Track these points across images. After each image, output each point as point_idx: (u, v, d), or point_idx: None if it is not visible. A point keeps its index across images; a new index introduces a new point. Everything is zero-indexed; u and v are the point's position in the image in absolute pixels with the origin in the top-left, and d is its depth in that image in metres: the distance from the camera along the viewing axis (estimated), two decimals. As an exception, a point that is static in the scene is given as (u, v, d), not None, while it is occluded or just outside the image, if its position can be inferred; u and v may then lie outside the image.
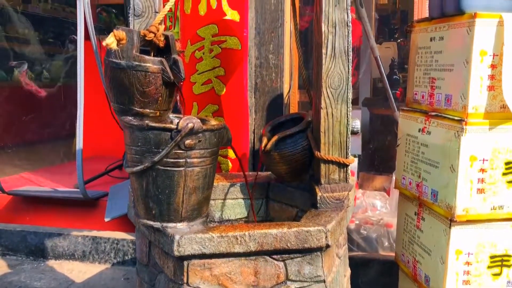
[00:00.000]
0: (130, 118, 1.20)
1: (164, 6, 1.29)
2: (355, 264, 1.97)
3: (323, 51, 1.35)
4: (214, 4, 1.86)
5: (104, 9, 5.51)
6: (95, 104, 3.12)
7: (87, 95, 2.50)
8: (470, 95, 1.24)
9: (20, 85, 6.02)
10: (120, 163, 3.05)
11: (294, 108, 2.12)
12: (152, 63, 1.17)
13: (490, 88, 1.24)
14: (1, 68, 5.67)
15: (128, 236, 2.27)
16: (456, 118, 1.27)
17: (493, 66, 1.23)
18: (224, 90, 1.92)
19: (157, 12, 1.30)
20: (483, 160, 1.26)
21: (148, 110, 1.20)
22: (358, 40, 3.26)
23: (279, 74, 2.02)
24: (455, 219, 1.27)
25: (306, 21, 2.82)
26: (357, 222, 2.31)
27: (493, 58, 1.23)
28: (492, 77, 1.23)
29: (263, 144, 1.54)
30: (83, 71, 2.44)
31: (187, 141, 1.15)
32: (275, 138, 1.51)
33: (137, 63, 1.15)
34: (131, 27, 1.30)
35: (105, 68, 1.20)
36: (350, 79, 1.38)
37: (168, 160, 1.15)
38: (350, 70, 1.38)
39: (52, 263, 2.32)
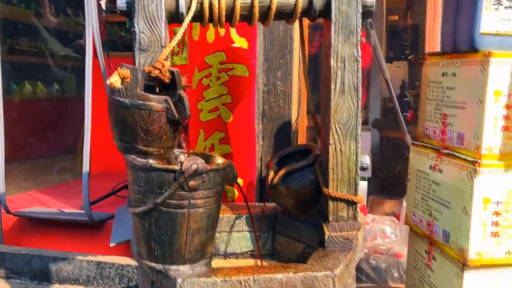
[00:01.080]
0: (134, 156, 1.17)
1: (170, 41, 1.27)
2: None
3: (332, 86, 1.32)
4: (222, 32, 1.84)
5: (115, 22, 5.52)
6: (102, 119, 3.10)
7: (93, 110, 2.49)
8: (484, 136, 1.20)
9: (31, 98, 6.07)
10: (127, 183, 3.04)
11: (302, 135, 2.09)
12: (156, 101, 1.14)
13: (505, 128, 1.20)
14: (12, 81, 5.73)
15: (133, 262, 2.24)
16: (469, 158, 1.23)
17: (508, 107, 1.19)
18: (231, 117, 1.89)
19: (163, 47, 1.28)
20: (497, 202, 1.21)
21: (151, 148, 1.18)
22: (368, 61, 3.23)
23: (287, 101, 1.99)
24: (468, 263, 1.22)
25: (315, 47, 2.79)
26: (366, 251, 2.26)
27: (508, 98, 1.19)
28: (507, 117, 1.19)
29: (270, 178, 1.51)
30: (90, 90, 2.42)
31: (191, 182, 1.12)
32: (282, 171, 1.48)
33: (141, 101, 1.13)
34: (137, 61, 1.28)
35: (108, 105, 1.18)
36: (359, 114, 1.34)
37: (171, 201, 1.12)
38: (359, 106, 1.34)
39: (56, 287, 2.29)
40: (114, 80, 1.12)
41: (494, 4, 1.19)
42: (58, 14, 6.48)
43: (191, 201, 1.14)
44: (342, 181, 1.36)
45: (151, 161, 1.17)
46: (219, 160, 1.30)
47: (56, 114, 6.05)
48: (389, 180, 3.06)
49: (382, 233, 2.57)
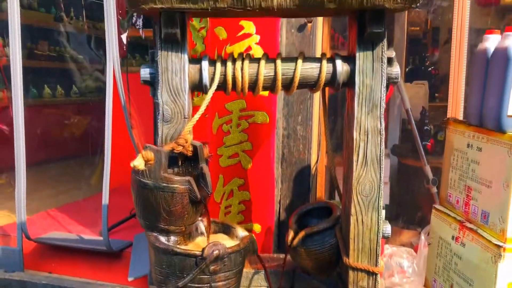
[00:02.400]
0: (156, 235, 1.18)
1: (193, 114, 1.27)
2: None
3: (354, 157, 1.31)
4: (243, 80, 1.83)
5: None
6: (117, 132, 3.09)
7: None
8: (510, 220, 1.17)
9: (52, 104, 6.13)
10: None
11: (321, 179, 2.08)
12: (179, 183, 1.14)
13: (532, 212, 1.18)
14: (32, 85, 5.80)
15: (151, 297, 2.26)
16: (494, 240, 1.21)
17: (535, 191, 1.17)
18: (251, 164, 1.89)
19: (186, 118, 1.28)
20: (522, 286, 1.19)
21: (173, 227, 1.18)
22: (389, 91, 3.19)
23: (307, 146, 1.98)
24: None
25: None
26: (383, 291, 2.25)
27: (536, 183, 1.16)
28: (533, 202, 1.17)
29: (289, 238, 1.51)
30: (111, 118, 2.43)
31: (212, 267, 1.12)
32: (302, 234, 1.48)
33: (164, 184, 1.13)
34: (160, 132, 1.29)
35: (132, 183, 1.19)
36: (382, 186, 1.33)
37: (192, 285, 1.13)
38: (382, 177, 1.33)
39: (75, 317, 2.33)
40: (138, 163, 1.13)
41: (523, 87, 1.17)
42: (77, 18, 6.53)
43: (212, 284, 1.14)
44: (363, 252, 1.35)
45: (173, 239, 1.18)
46: (240, 232, 1.31)
47: (76, 118, 6.13)
48: (407, 209, 3.03)
49: (400, 267, 2.55)
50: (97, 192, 4.01)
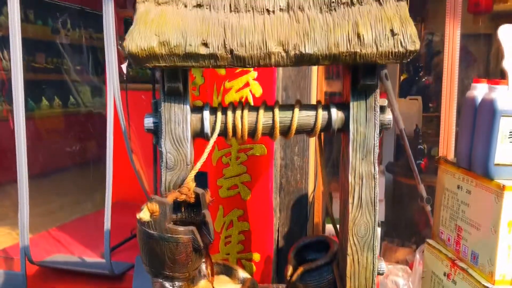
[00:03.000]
0: (161, 281, 1.24)
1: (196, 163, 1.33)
2: None
3: (350, 200, 1.37)
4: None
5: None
6: (116, 148, 3.13)
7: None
8: (498, 263, 1.24)
9: (49, 115, 6.17)
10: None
11: (318, 206, 2.14)
12: (183, 234, 1.20)
13: (518, 256, 1.24)
14: (30, 97, 5.85)
15: (153, 321, 2.31)
16: (483, 281, 1.27)
17: (521, 236, 1.23)
18: (250, 195, 1.95)
19: (188, 165, 1.34)
20: (510, 326, 1.25)
21: (178, 274, 1.24)
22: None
23: (304, 176, 2.05)
24: None
25: None
26: (380, 313, 2.31)
27: (522, 228, 1.23)
28: (520, 246, 1.23)
29: (288, 274, 1.56)
30: (112, 142, 2.47)
31: (216, 314, 1.18)
32: (300, 270, 1.54)
33: (169, 235, 1.19)
34: (163, 178, 1.34)
35: (138, 232, 1.25)
36: (377, 227, 1.39)
37: (198, 330, 1.19)
38: (377, 219, 1.39)
39: None
40: (144, 215, 1.19)
41: (509, 137, 1.23)
42: (74, 29, 6.58)
43: (216, 329, 1.20)
44: (359, 289, 1.41)
45: (177, 284, 1.24)
46: (241, 274, 1.37)
47: (74, 128, 6.18)
48: (402, 226, 3.10)
49: (395, 286, 2.62)
50: (96, 209, 4.08)
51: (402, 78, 6.94)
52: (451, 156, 1.55)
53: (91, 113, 6.36)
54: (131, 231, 3.08)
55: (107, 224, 2.45)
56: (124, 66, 2.37)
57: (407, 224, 3.08)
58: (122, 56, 2.55)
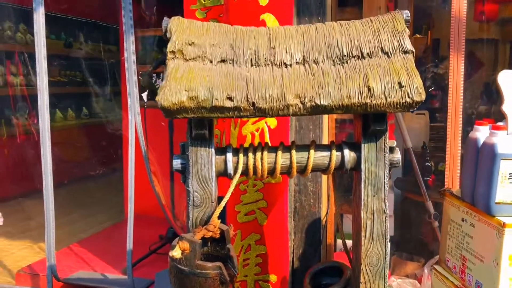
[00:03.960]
0: (192, 312, 1.36)
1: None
2: None
3: (362, 233, 1.49)
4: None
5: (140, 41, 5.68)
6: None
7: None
8: (500, 294, 1.35)
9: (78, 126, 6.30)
10: (163, 242, 3.25)
11: (331, 228, 2.25)
12: (212, 269, 1.32)
13: (518, 287, 1.35)
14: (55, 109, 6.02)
15: (174, 337, 2.44)
16: (486, 311, 1.38)
17: (521, 268, 1.34)
18: (266, 220, 2.07)
19: (213, 202, 1.46)
20: None
21: (207, 305, 1.36)
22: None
23: (317, 200, 2.16)
24: None
25: (341, 138, 2.94)
26: (390, 328, 2.42)
27: (521, 262, 1.34)
28: (520, 277, 1.34)
29: (305, 299, 1.68)
30: (133, 163, 2.60)
31: None
32: (316, 295, 1.66)
33: (199, 270, 1.31)
34: (190, 215, 1.47)
35: (170, 267, 1.37)
36: (387, 258, 1.51)
37: None
38: (388, 251, 1.50)
39: None
40: (176, 253, 1.31)
41: (508, 179, 1.34)
42: (87, 42, 6.75)
43: None
44: (371, 315, 1.53)
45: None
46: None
47: (86, 140, 6.33)
48: (411, 241, 3.20)
49: (405, 300, 2.73)
50: (112, 221, 4.21)
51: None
52: (456, 187, 1.65)
53: (103, 125, 6.52)
54: (149, 247, 3.21)
55: (129, 244, 2.57)
56: (144, 95, 2.50)
57: (415, 239, 3.18)
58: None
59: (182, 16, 2.08)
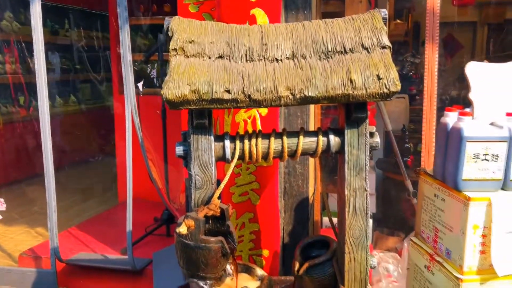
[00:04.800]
0: (196, 281, 1.53)
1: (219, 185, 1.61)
2: None
3: (346, 209, 1.67)
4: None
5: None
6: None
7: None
8: (466, 258, 1.55)
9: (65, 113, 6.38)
10: (159, 224, 3.41)
11: (317, 206, 2.44)
12: (214, 243, 1.49)
13: (482, 252, 1.55)
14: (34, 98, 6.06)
15: (174, 310, 2.63)
16: (454, 273, 1.59)
17: (483, 236, 1.54)
18: (259, 200, 2.25)
19: (213, 184, 1.62)
20: (476, 308, 1.57)
21: (209, 274, 1.54)
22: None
23: (305, 181, 2.34)
24: None
25: (326, 123, 3.12)
26: (372, 296, 2.64)
27: (484, 230, 1.54)
28: (483, 244, 1.55)
29: (295, 269, 1.86)
30: (131, 149, 2.73)
31: (243, 306, 1.48)
32: (306, 265, 1.84)
33: (203, 244, 1.48)
34: (193, 196, 1.63)
35: (176, 242, 1.54)
36: (369, 231, 1.69)
37: (228, 319, 1.49)
38: (369, 223, 1.69)
39: (108, 330, 2.69)
40: (183, 229, 1.48)
41: (472, 158, 1.53)
42: (73, 29, 6.79)
43: (242, 317, 1.50)
44: (355, 281, 1.72)
45: (208, 283, 1.53)
46: (258, 272, 1.67)
47: (79, 126, 6.42)
48: (392, 217, 3.41)
49: (387, 272, 2.95)
50: (110, 206, 4.36)
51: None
52: (431, 167, 1.84)
53: (96, 110, 6.62)
54: (145, 229, 3.37)
55: (129, 226, 2.73)
56: (140, 84, 2.63)
57: (396, 215, 3.40)
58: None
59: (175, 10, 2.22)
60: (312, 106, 2.34)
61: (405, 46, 5.65)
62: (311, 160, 2.36)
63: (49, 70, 6.50)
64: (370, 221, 3.48)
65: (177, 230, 1.48)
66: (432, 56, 2.14)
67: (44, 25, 6.24)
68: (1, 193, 3.04)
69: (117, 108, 4.19)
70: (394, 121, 3.89)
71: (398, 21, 5.18)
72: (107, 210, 4.20)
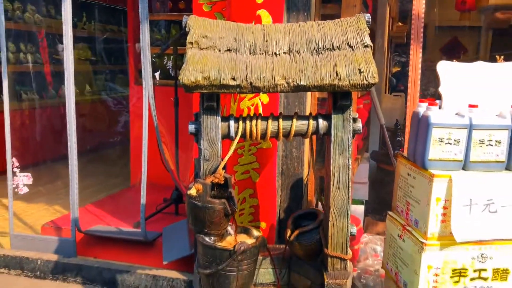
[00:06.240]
0: (202, 236, 1.84)
1: (224, 156, 1.92)
2: (355, 308, 2.61)
3: (331, 183, 1.96)
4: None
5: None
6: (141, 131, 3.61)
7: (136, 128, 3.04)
8: (429, 226, 1.84)
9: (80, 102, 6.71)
10: (169, 203, 3.72)
11: (311, 186, 2.74)
12: (219, 204, 1.80)
13: (443, 221, 1.84)
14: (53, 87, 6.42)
15: (181, 276, 2.93)
16: (420, 239, 1.88)
17: (444, 208, 1.83)
18: (259, 178, 2.55)
19: (219, 157, 1.93)
20: (437, 268, 1.86)
21: (213, 231, 1.84)
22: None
23: (300, 163, 2.64)
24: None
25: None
26: (359, 271, 2.93)
27: (445, 203, 1.83)
28: (444, 214, 1.84)
29: (287, 235, 2.17)
30: (147, 131, 3.03)
31: (239, 257, 1.79)
32: (296, 232, 2.14)
33: (209, 205, 1.79)
34: (201, 167, 1.94)
35: (187, 203, 1.84)
36: (350, 201, 1.99)
37: (226, 268, 1.79)
38: (350, 195, 1.98)
39: (121, 293, 3.01)
40: (193, 192, 1.78)
41: (437, 142, 1.82)
42: (90, 22, 7.13)
43: (239, 267, 1.81)
44: (337, 245, 2.01)
45: (212, 238, 1.84)
46: (255, 232, 1.97)
47: (91, 114, 6.73)
48: (383, 204, 3.70)
49: (374, 252, 3.23)
50: (122, 188, 4.68)
51: (394, 70, 7.50)
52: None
53: (110, 100, 6.94)
54: (156, 207, 3.68)
55: (143, 199, 3.04)
56: (157, 74, 2.93)
57: (386, 203, 3.67)
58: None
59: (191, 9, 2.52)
60: (308, 97, 2.64)
61: (405, 48, 5.92)
62: (307, 144, 2.66)
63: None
64: (362, 207, 3.78)
65: (188, 192, 1.79)
66: (416, 56, 2.42)
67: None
68: (29, 169, 3.35)
69: (133, 98, 4.50)
70: (390, 117, 4.18)
71: (400, 24, 5.46)
72: (120, 191, 4.52)
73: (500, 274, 1.87)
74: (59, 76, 6.65)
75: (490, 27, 7.03)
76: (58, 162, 4.89)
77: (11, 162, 3.19)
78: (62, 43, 7.06)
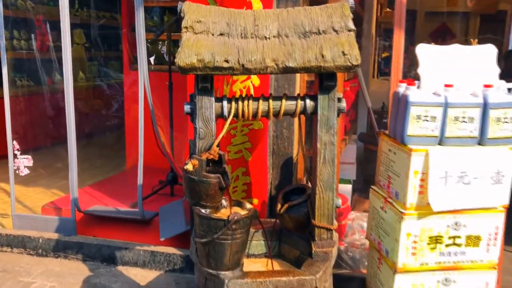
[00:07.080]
0: (199, 208, 1.98)
1: (217, 135, 2.05)
2: (342, 279, 2.78)
3: (318, 159, 2.11)
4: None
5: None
6: (135, 117, 3.65)
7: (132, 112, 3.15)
8: (408, 197, 2.00)
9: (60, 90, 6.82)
10: (164, 184, 3.86)
11: (300, 165, 2.89)
12: (214, 178, 1.94)
13: (420, 192, 2.00)
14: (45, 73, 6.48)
15: (178, 251, 3.09)
16: (399, 209, 2.04)
17: (422, 180, 1.99)
18: (251, 157, 2.69)
19: (213, 136, 2.06)
20: (415, 235, 2.03)
21: (209, 204, 1.98)
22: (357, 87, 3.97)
23: (290, 143, 2.78)
24: (397, 270, 2.05)
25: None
26: (346, 245, 3.10)
27: (422, 175, 1.98)
28: (421, 186, 1.99)
29: (278, 209, 2.31)
30: (143, 115, 3.16)
31: (233, 226, 1.93)
32: (286, 206, 2.28)
33: (205, 179, 1.93)
34: (197, 145, 2.07)
35: (183, 177, 1.98)
36: (335, 176, 2.13)
37: (221, 236, 1.94)
38: (335, 170, 2.13)
39: (120, 268, 3.15)
40: (189, 166, 1.92)
41: (415, 119, 1.97)
42: (82, 9, 7.17)
43: (233, 236, 1.95)
44: (324, 216, 2.16)
45: (208, 210, 1.98)
46: (248, 205, 2.11)
47: (88, 99, 6.80)
48: (370, 184, 3.85)
49: (361, 228, 3.40)
50: (116, 172, 4.80)
51: (383, 55, 7.63)
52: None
53: (104, 86, 7.02)
54: (152, 188, 3.82)
55: (140, 180, 3.18)
56: (152, 59, 3.05)
57: (373, 182, 3.83)
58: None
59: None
60: (298, 80, 2.77)
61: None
62: (296, 125, 2.80)
63: (59, 47, 6.89)
64: (350, 186, 3.93)
65: (185, 167, 1.93)
66: (399, 40, 2.56)
67: (55, 4, 6.62)
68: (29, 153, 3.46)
69: (127, 83, 4.61)
70: (378, 100, 4.33)
71: (388, 9, 5.57)
72: (116, 174, 4.65)
73: (473, 240, 2.03)
74: (52, 63, 6.73)
75: (478, 13, 7.18)
76: (56, 147, 5.00)
77: (11, 144, 3.31)
78: (56, 29, 7.10)
